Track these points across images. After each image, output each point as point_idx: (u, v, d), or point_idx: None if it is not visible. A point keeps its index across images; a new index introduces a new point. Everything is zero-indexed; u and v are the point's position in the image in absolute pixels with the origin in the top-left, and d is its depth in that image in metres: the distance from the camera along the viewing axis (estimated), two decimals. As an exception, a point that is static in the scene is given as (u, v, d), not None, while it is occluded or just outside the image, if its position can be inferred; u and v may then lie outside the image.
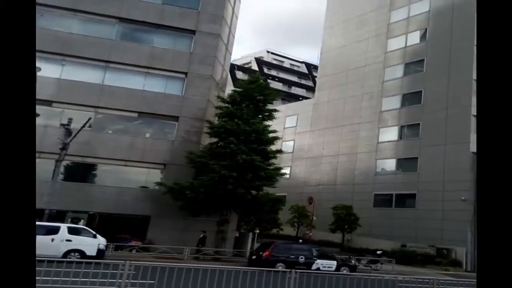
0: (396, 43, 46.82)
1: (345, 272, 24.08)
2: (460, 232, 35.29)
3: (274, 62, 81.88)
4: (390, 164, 43.43)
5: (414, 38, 45.37)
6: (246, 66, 76.05)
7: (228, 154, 28.51)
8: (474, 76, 38.26)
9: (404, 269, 29.54)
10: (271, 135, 30.95)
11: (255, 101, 31.48)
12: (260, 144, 29.86)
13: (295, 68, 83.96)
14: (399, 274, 23.70)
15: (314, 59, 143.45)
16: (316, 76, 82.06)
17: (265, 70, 75.43)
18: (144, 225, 29.78)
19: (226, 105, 31.49)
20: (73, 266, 11.46)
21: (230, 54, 40.13)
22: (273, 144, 31.38)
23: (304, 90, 78.24)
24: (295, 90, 75.67)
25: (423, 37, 44.46)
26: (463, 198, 35.58)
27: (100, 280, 11.35)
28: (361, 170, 45.28)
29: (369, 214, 41.40)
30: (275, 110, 32.69)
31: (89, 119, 26.98)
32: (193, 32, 33.65)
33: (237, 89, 31.84)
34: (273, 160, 31.29)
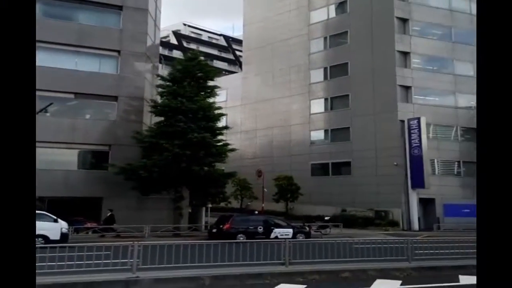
0: (318, 15, 47.81)
1: (301, 238, 25.31)
2: (395, 195, 37.80)
3: (192, 35, 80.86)
4: (324, 135, 45.17)
5: (336, 10, 46.69)
6: (165, 40, 74.45)
7: (179, 133, 28.59)
8: (397, 47, 40.55)
9: (349, 232, 31.30)
10: (217, 111, 31.28)
11: (196, 78, 31.54)
12: (208, 121, 30.18)
13: (214, 41, 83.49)
14: (349, 237, 25.16)
15: (228, 31, 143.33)
16: (236, 49, 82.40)
17: (185, 44, 74.44)
18: (97, 206, 29.43)
19: (168, 83, 31.30)
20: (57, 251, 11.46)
21: (159, 30, 39.54)
22: (219, 120, 31.71)
23: (226, 64, 78.21)
24: (216, 64, 75.42)
25: (344, 9, 45.62)
26: (395, 163, 38.03)
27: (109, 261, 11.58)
28: (296, 141, 46.67)
29: (307, 183, 42.97)
30: (217, 87, 32.88)
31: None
32: (120, 7, 32.72)
33: (178, 67, 31.68)
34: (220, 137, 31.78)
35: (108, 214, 27.95)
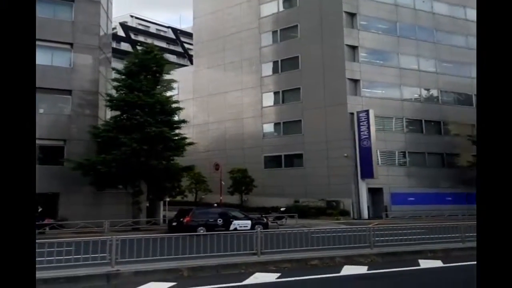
0: (268, 9, 48.39)
1: (259, 229, 26.03)
2: (345, 185, 39.09)
3: (140, 27, 79.76)
4: (276, 127, 46.00)
5: (285, 3, 47.43)
6: (112, 32, 73.18)
7: (136, 127, 28.63)
8: (345, 41, 41.79)
9: (304, 222, 32.28)
10: (174, 105, 31.43)
11: (152, 72, 31.56)
12: (165, 115, 30.33)
13: (162, 34, 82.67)
14: (304, 227, 26.10)
15: (175, 23, 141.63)
16: (184, 42, 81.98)
17: (132, 36, 73.47)
18: (54, 202, 29.06)
19: (123, 77, 31.16)
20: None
21: (111, 22, 39.13)
22: (176, 114, 31.87)
23: (175, 57, 77.66)
24: (165, 56, 74.98)
25: (293, 3, 46.34)
26: (345, 154, 39.31)
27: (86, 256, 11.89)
28: (249, 134, 47.27)
29: (261, 175, 43.71)
30: (173, 81, 33.00)
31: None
32: (72, -1, 32.19)
33: (134, 60, 31.56)
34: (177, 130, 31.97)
35: (39, 210, 27.65)
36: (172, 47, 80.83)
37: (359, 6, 43.02)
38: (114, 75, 32.72)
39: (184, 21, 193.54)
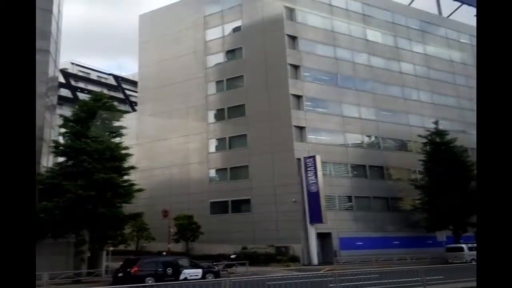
0: (215, 59, 49.45)
1: (210, 278, 25.45)
2: (294, 231, 39.09)
3: (80, 74, 78.51)
4: (223, 173, 45.76)
5: (231, 55, 48.56)
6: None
7: (82, 173, 27.82)
8: (290, 91, 42.89)
9: (254, 269, 31.88)
10: (124, 151, 30.87)
11: (102, 119, 31.12)
12: (115, 161, 29.70)
13: (103, 80, 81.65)
14: (254, 275, 25.79)
15: (114, 70, 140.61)
16: (126, 89, 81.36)
17: (73, 83, 72.12)
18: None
19: (71, 123, 30.48)
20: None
21: (58, 70, 38.50)
22: (125, 160, 31.24)
23: (117, 102, 76.49)
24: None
25: (239, 55, 47.51)
26: (293, 200, 39.57)
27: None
28: (195, 179, 46.76)
29: (207, 221, 42.99)
30: (123, 127, 32.49)
31: None
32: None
33: (83, 108, 31.10)
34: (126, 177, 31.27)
35: None
36: (112, 93, 79.79)
37: (302, 59, 44.58)
38: (59, 121, 31.87)
39: (124, 68, 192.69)
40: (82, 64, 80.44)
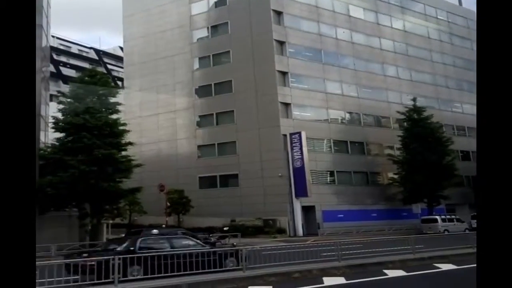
0: (200, 34, 50.18)
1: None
2: (281, 204, 40.86)
3: (61, 47, 77.91)
4: (211, 149, 47.05)
5: (216, 30, 49.19)
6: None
7: (83, 149, 28.86)
8: (276, 67, 44.16)
9: (246, 241, 33.56)
10: (121, 127, 31.94)
11: (99, 95, 31.94)
12: (114, 137, 30.77)
13: (84, 54, 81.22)
14: (247, 245, 27.45)
15: (93, 44, 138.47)
16: (107, 63, 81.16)
17: (54, 57, 71.66)
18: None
19: (69, 100, 31.31)
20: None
21: (49, 44, 38.93)
22: (123, 136, 32.29)
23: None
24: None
25: (225, 30, 48.19)
26: (279, 174, 41.31)
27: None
28: (183, 155, 48.00)
29: (196, 195, 44.31)
30: (119, 103, 33.43)
31: None
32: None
33: (79, 84, 31.90)
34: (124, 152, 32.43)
35: None
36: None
37: (287, 35, 45.68)
38: (54, 98, 32.59)
39: (104, 42, 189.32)
40: (62, 38, 79.74)
